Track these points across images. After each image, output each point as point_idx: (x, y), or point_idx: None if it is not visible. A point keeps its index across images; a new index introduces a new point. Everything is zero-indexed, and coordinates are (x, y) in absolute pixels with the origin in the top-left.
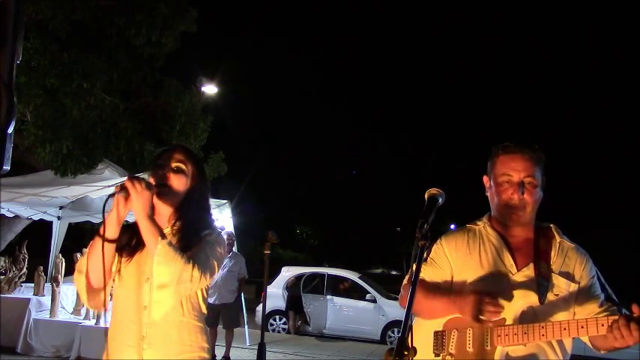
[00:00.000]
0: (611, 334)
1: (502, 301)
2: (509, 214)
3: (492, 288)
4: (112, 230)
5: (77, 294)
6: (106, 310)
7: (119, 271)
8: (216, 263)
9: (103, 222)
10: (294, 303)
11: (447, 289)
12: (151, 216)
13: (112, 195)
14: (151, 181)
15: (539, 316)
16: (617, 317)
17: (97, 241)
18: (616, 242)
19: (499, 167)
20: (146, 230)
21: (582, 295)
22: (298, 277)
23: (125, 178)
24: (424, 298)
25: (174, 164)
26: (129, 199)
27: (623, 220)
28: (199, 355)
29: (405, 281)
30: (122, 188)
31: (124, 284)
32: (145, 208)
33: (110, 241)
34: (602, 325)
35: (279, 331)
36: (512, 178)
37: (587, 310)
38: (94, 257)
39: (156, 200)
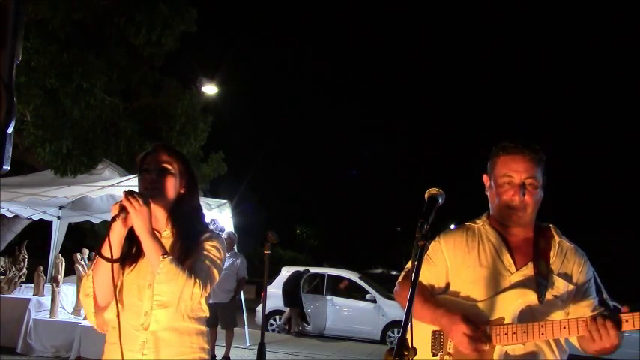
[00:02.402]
0: (590, 334)
1: (500, 300)
2: (509, 215)
3: (490, 286)
4: (115, 251)
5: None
6: (120, 326)
7: (122, 280)
8: (216, 271)
9: (108, 242)
10: (290, 299)
11: (440, 292)
12: (152, 232)
13: (113, 219)
14: (141, 186)
15: (537, 315)
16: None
17: (101, 263)
18: (614, 243)
19: (500, 168)
20: (148, 247)
21: (578, 296)
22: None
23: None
24: (416, 303)
25: (161, 166)
26: (128, 217)
27: (621, 221)
28: (199, 356)
29: (400, 278)
30: (121, 210)
31: (125, 290)
32: (145, 225)
33: (116, 261)
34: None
35: (279, 331)
36: (513, 179)
37: (580, 312)
38: (100, 278)
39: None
